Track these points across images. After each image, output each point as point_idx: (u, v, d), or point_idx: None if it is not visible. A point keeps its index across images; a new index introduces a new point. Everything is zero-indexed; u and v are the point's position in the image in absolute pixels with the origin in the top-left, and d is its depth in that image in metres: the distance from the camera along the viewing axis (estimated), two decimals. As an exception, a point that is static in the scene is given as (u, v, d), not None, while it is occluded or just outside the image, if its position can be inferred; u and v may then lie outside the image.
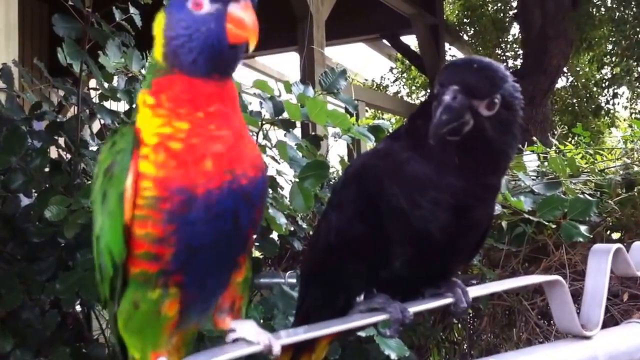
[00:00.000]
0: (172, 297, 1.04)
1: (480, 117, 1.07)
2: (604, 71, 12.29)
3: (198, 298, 1.07)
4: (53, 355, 2.11)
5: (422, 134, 1.10)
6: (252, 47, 0.99)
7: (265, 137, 2.49)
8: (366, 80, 14.86)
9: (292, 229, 2.57)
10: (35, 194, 2.25)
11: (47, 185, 2.20)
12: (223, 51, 1.01)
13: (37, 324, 2.16)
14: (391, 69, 14.58)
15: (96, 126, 2.81)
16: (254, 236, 1.17)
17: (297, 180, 2.07)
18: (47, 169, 2.24)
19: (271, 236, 2.40)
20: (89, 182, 2.39)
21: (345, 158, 3.29)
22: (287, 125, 2.29)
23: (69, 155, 2.47)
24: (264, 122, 2.31)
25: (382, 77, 14.71)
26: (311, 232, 2.77)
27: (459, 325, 3.02)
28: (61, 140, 2.52)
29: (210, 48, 1.00)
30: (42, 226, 2.15)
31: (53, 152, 2.41)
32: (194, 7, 1.01)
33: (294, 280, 2.41)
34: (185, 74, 1.02)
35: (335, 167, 3.24)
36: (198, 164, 0.99)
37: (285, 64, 10.28)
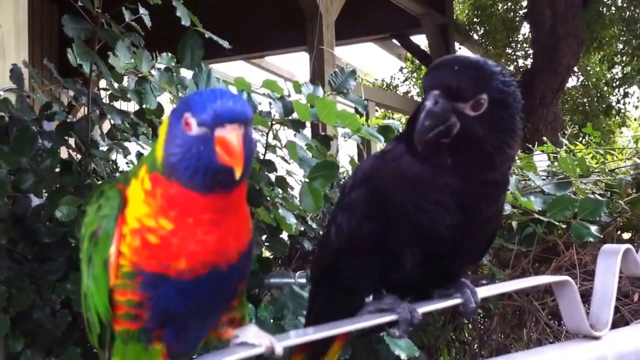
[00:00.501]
0: (156, 350, 1.08)
1: (467, 118, 1.07)
2: (614, 70, 12.18)
3: (183, 345, 1.10)
4: (64, 355, 2.12)
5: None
6: (237, 175, 0.95)
7: (275, 137, 2.49)
8: (376, 80, 14.84)
9: (302, 229, 2.58)
10: (46, 194, 2.26)
11: (58, 186, 2.22)
12: (218, 171, 0.97)
13: (48, 324, 2.17)
14: (401, 69, 14.54)
15: (106, 126, 2.83)
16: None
17: (306, 180, 2.08)
18: (57, 170, 2.26)
19: (281, 236, 2.40)
20: (100, 182, 2.40)
21: (355, 158, 3.29)
22: (297, 126, 2.29)
23: (79, 156, 2.49)
24: (273, 122, 2.31)
25: (392, 76, 14.68)
26: (321, 232, 2.77)
27: (469, 326, 3.01)
28: (71, 141, 2.53)
29: (205, 168, 0.97)
30: (53, 226, 2.17)
31: (63, 153, 2.43)
32: (185, 128, 0.98)
33: (304, 280, 2.41)
34: (182, 186, 1.00)
35: (345, 167, 3.24)
36: (172, 261, 1.00)
37: (295, 63, 10.29)
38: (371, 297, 1.21)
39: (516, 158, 1.18)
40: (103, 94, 2.64)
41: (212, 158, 0.96)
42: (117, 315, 1.06)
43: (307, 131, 2.48)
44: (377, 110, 10.14)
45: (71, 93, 2.56)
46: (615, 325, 1.22)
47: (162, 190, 1.01)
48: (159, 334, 1.07)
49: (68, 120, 2.43)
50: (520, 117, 1.12)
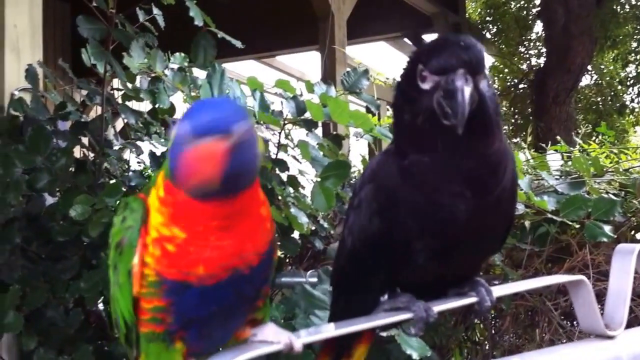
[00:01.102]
0: (177, 350, 1.09)
1: (481, 92, 1.07)
2: (628, 69, 12.06)
3: (205, 345, 1.11)
4: (76, 353, 2.13)
5: (414, 127, 1.09)
6: (214, 187, 0.94)
7: (287, 136, 2.50)
8: (387, 79, 14.81)
9: (313, 228, 2.58)
10: (60, 194, 2.28)
11: (72, 185, 2.24)
12: (207, 185, 0.95)
13: (61, 322, 2.19)
14: (412, 68, 14.49)
15: (118, 125, 2.85)
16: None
17: (318, 179, 2.08)
18: (71, 169, 2.28)
19: (293, 235, 2.41)
20: (113, 181, 2.42)
21: (367, 157, 3.28)
22: (309, 125, 2.30)
23: (92, 155, 2.51)
24: (285, 122, 2.31)
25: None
26: (332, 232, 2.77)
27: (481, 326, 2.99)
28: (85, 140, 2.56)
29: (195, 181, 0.95)
30: (67, 225, 2.18)
31: (77, 152, 2.45)
32: (179, 137, 0.97)
33: (315, 280, 2.41)
34: (185, 193, 1.00)
35: (357, 166, 3.24)
36: (191, 268, 1.01)
37: (306, 63, 10.29)
38: (386, 296, 1.21)
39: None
40: (116, 93, 2.66)
41: (195, 170, 0.95)
42: (142, 319, 1.09)
43: (319, 130, 2.48)
44: (388, 109, 10.12)
45: (84, 92, 2.58)
46: (629, 325, 1.21)
47: (172, 197, 1.02)
48: (181, 335, 1.08)
49: (82, 119, 2.45)
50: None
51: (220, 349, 1.20)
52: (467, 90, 1.03)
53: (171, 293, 1.03)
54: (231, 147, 0.94)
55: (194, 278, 1.01)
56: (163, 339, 1.08)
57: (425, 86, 1.08)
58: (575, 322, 2.58)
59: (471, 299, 1.17)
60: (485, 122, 1.08)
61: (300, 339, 1.03)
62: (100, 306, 2.37)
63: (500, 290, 1.23)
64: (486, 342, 2.95)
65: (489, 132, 1.09)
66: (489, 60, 12.40)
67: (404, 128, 1.15)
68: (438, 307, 1.14)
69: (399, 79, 1.17)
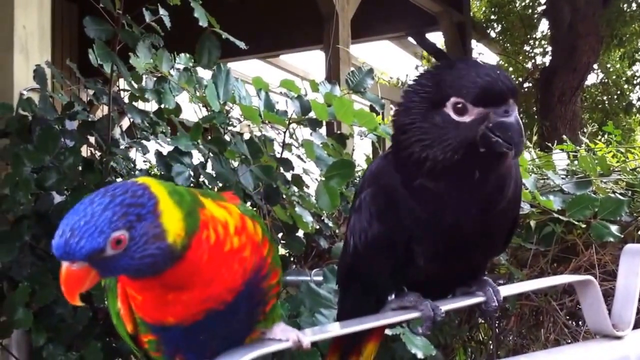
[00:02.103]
0: None
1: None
2: (635, 68, 12.02)
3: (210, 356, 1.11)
4: (85, 349, 2.15)
5: (432, 157, 1.08)
6: (75, 303, 0.93)
7: (292, 136, 2.50)
8: (391, 78, 14.79)
9: (318, 227, 2.59)
10: (68, 192, 2.30)
11: (80, 183, 2.25)
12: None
13: (70, 319, 2.20)
14: (417, 67, 14.48)
15: (124, 124, 2.87)
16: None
17: (323, 179, 2.09)
18: (79, 168, 2.29)
19: (297, 234, 2.42)
20: (120, 180, 2.44)
21: (371, 156, 3.29)
22: (314, 124, 2.31)
23: (99, 154, 2.53)
24: (290, 121, 2.32)
25: (407, 75, 14.62)
26: (337, 231, 2.78)
27: (486, 325, 2.99)
28: (92, 139, 2.57)
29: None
30: (75, 223, 2.19)
31: (84, 151, 2.46)
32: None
33: (320, 278, 2.42)
34: None
35: (362, 165, 3.24)
36: (162, 319, 1.02)
37: (310, 62, 10.30)
38: (393, 296, 1.21)
39: None
40: (123, 93, 2.68)
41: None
42: (144, 347, 1.12)
43: (323, 130, 2.49)
44: (392, 109, 10.10)
45: (91, 92, 2.60)
46: (637, 325, 1.21)
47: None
48: (180, 358, 1.11)
49: (89, 119, 2.47)
50: None
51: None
52: (520, 124, 1.06)
53: (156, 331, 1.07)
54: (89, 262, 0.89)
55: (169, 324, 1.03)
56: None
57: (466, 119, 1.06)
58: (580, 322, 2.57)
59: (478, 299, 1.18)
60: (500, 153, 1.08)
61: (308, 337, 1.04)
62: (108, 304, 2.38)
63: (507, 290, 1.23)
64: (491, 342, 2.95)
65: (502, 158, 1.09)
66: (493, 59, 12.36)
67: (416, 157, 1.09)
68: (445, 306, 1.14)
69: (405, 109, 1.15)
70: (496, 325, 2.90)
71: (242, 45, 2.35)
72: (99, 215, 0.89)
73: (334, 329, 1.12)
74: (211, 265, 0.99)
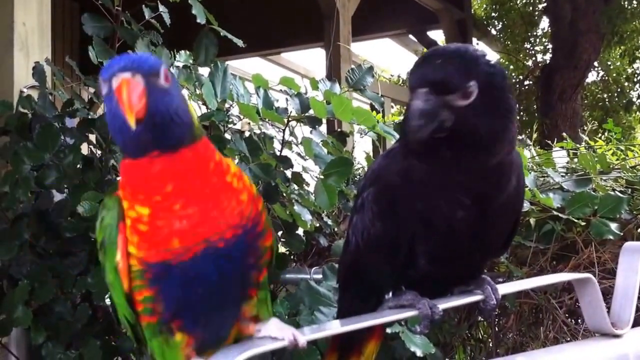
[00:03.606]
0: (177, 343, 1.10)
1: (459, 109, 1.05)
2: (635, 65, 12.00)
3: (207, 334, 1.12)
4: (84, 348, 2.15)
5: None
6: (132, 126, 0.93)
7: (292, 133, 2.50)
8: (392, 75, 14.78)
9: (317, 225, 2.59)
10: (68, 190, 2.30)
11: (80, 181, 2.25)
12: (131, 128, 0.95)
13: (69, 317, 2.21)
14: (417, 65, 14.44)
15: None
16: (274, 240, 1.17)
17: (321, 177, 2.08)
18: (79, 165, 2.29)
19: (297, 232, 2.42)
20: (119, 178, 2.44)
21: (372, 154, 3.28)
22: (313, 122, 2.30)
23: (99, 152, 2.52)
24: (290, 119, 2.32)
25: (408, 72, 14.58)
26: (336, 229, 2.78)
27: (485, 324, 2.99)
28: (92, 137, 2.57)
29: (121, 127, 0.97)
30: (75, 221, 2.20)
31: (84, 149, 2.46)
32: (104, 92, 1.00)
33: (319, 276, 2.42)
34: (128, 157, 1.02)
35: (362, 163, 3.24)
36: (166, 244, 1.02)
37: (311, 59, 10.28)
38: (391, 294, 1.21)
39: (516, 137, 1.14)
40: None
41: (120, 113, 0.95)
42: (139, 312, 1.10)
43: (323, 127, 2.49)
44: (392, 107, 10.10)
45: (92, 90, 2.59)
46: (636, 324, 1.21)
47: (126, 175, 1.04)
48: (178, 324, 1.09)
49: (89, 117, 2.47)
50: (511, 95, 1.10)
51: (225, 345, 1.21)
52: (422, 109, 1.04)
53: (155, 280, 1.04)
54: (147, 83, 0.95)
55: (170, 255, 1.02)
56: (160, 330, 1.09)
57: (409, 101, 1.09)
58: (579, 320, 2.57)
59: (477, 297, 1.18)
60: (472, 140, 1.06)
61: (304, 336, 1.04)
62: (107, 301, 2.39)
63: (506, 287, 1.23)
64: (490, 340, 2.95)
65: (480, 149, 1.07)
66: (494, 57, 12.33)
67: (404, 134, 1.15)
68: (443, 305, 1.14)
69: None
70: (495, 323, 2.90)
71: (240, 43, 2.35)
72: (141, 55, 1.01)
73: (331, 328, 1.12)
74: (214, 179, 1.03)
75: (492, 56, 1.10)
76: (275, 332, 1.07)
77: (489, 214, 1.12)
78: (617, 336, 1.18)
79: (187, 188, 1.01)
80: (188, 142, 1.02)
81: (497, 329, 2.90)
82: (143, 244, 1.03)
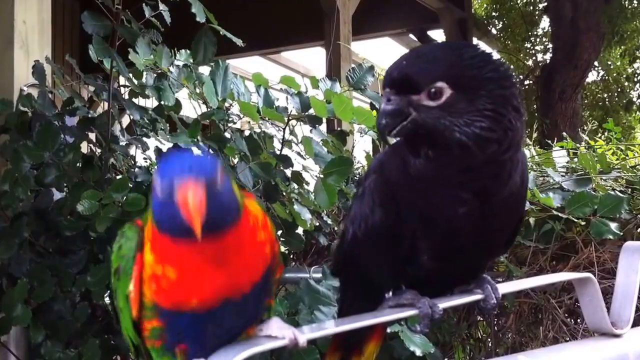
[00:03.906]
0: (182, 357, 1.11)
1: (427, 109, 1.03)
2: (635, 65, 12.00)
3: (207, 353, 1.11)
4: (83, 346, 2.15)
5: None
6: (197, 234, 0.94)
7: (292, 132, 2.50)
8: (392, 75, 14.75)
9: (317, 224, 2.58)
10: (68, 189, 2.29)
11: (79, 180, 2.25)
12: (186, 229, 0.95)
13: (68, 316, 2.21)
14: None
15: (124, 121, 2.86)
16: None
17: (321, 176, 2.08)
18: (79, 164, 2.29)
19: (297, 231, 2.42)
20: (119, 176, 2.44)
21: (372, 154, 3.28)
22: (314, 121, 2.30)
23: (99, 150, 2.52)
24: (290, 118, 2.32)
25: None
26: (336, 228, 2.77)
27: (484, 323, 2.99)
28: (92, 136, 2.57)
29: (179, 227, 0.96)
30: (74, 220, 2.20)
31: (84, 147, 2.46)
32: (156, 191, 1.00)
33: (319, 275, 2.42)
34: (170, 236, 1.02)
35: (362, 162, 3.24)
36: (184, 302, 1.03)
37: (311, 58, 10.27)
38: (391, 294, 1.21)
39: (515, 135, 1.07)
40: (123, 89, 2.67)
41: (179, 216, 0.96)
42: (145, 336, 1.12)
43: (323, 127, 2.49)
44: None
45: (91, 88, 2.59)
46: (635, 323, 1.21)
47: (158, 241, 1.04)
48: (182, 348, 1.11)
49: (89, 115, 2.47)
50: (502, 94, 1.04)
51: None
52: (384, 109, 1.04)
53: (165, 317, 1.07)
54: (207, 187, 0.95)
55: (187, 309, 1.03)
56: (164, 352, 1.11)
57: None
58: (579, 320, 2.57)
59: (477, 296, 1.17)
60: (445, 139, 1.03)
61: (304, 335, 1.04)
62: (107, 300, 2.39)
63: (506, 287, 1.23)
64: (489, 340, 2.95)
65: (456, 149, 1.03)
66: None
67: None
68: (443, 304, 1.14)
69: None
70: (495, 323, 2.90)
71: (239, 42, 2.34)
72: (195, 152, 1.02)
73: (331, 327, 1.12)
74: (248, 248, 1.05)
75: (494, 53, 1.07)
76: (276, 331, 1.07)
77: (491, 210, 1.10)
78: (617, 336, 1.17)
79: (221, 261, 1.03)
80: (233, 223, 1.03)
81: (496, 329, 2.90)
82: (159, 294, 1.05)
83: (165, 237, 1.02)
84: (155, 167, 1.03)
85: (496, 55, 1.09)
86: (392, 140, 1.17)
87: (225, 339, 1.09)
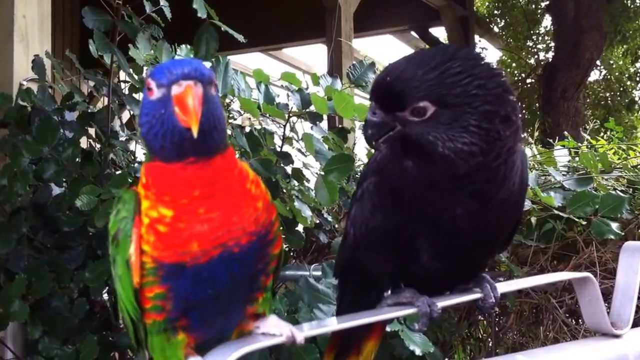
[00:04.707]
0: (179, 342, 1.10)
1: (411, 124, 1.04)
2: (638, 64, 11.97)
3: (210, 334, 1.12)
4: (81, 343, 2.14)
5: None
6: (194, 133, 0.95)
7: (292, 129, 2.49)
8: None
9: (317, 221, 2.57)
10: (66, 184, 2.29)
11: (78, 175, 2.24)
12: (183, 134, 0.98)
13: (66, 312, 2.20)
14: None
15: (125, 116, 2.85)
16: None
17: (322, 173, 2.07)
18: (78, 159, 2.28)
19: (297, 229, 2.41)
20: (119, 172, 2.43)
21: (372, 150, 3.27)
22: (314, 118, 2.29)
23: (99, 146, 2.51)
24: (291, 115, 2.31)
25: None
26: (336, 225, 2.77)
27: (485, 323, 2.99)
28: (91, 131, 2.56)
29: (170, 132, 0.99)
30: (73, 215, 2.19)
31: (83, 143, 2.45)
32: (148, 94, 1.01)
33: (319, 273, 2.41)
34: (160, 160, 1.03)
35: (363, 159, 3.23)
36: (184, 246, 1.03)
37: (312, 55, 10.26)
38: (389, 292, 1.20)
39: (503, 146, 1.07)
40: (123, 85, 2.66)
41: (173, 118, 0.98)
42: (145, 309, 1.10)
43: (324, 124, 2.47)
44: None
45: (91, 83, 2.58)
46: (635, 324, 1.20)
47: (152, 176, 1.05)
48: (183, 324, 1.09)
49: (89, 110, 2.46)
50: (485, 109, 1.03)
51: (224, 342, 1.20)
52: (369, 120, 1.08)
53: (168, 278, 1.05)
54: (208, 95, 0.98)
55: (187, 257, 1.02)
56: (165, 328, 1.09)
57: None
58: (580, 320, 2.57)
59: (475, 295, 1.17)
60: (428, 152, 1.04)
61: (302, 332, 1.03)
62: (105, 296, 2.38)
63: (506, 286, 1.22)
64: (489, 339, 2.95)
65: (438, 162, 1.04)
66: (496, 54, 12.31)
67: None
68: (442, 303, 1.14)
69: None
70: (495, 322, 2.89)
71: (241, 38, 2.33)
72: (192, 60, 1.04)
73: (329, 324, 1.11)
74: (238, 188, 1.06)
75: (495, 54, 1.07)
76: (273, 328, 1.07)
77: (490, 210, 1.10)
78: (616, 336, 1.17)
79: (213, 194, 1.03)
80: (221, 149, 1.05)
81: (497, 329, 2.89)
82: (160, 244, 1.04)
83: (157, 171, 1.02)
84: (148, 71, 1.04)
85: (486, 63, 1.06)
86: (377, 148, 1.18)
87: (224, 320, 1.10)
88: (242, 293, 1.11)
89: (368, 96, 2.51)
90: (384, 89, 1.07)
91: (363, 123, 1.12)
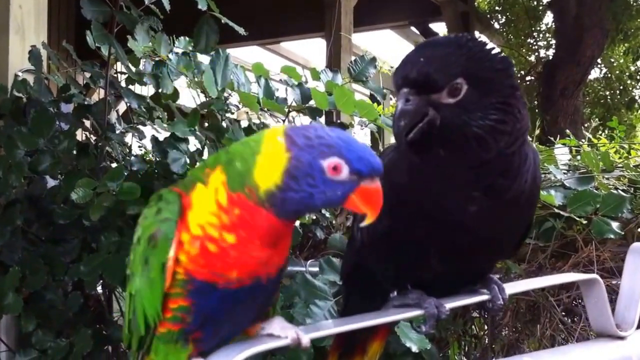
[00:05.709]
0: (184, 351, 1.09)
1: (446, 107, 1.02)
2: (639, 63, 11.96)
3: (215, 342, 1.10)
4: (74, 336, 2.13)
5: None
6: (367, 222, 1.00)
7: (291, 124, 2.47)
8: (392, 67, 14.71)
9: (314, 217, 2.56)
10: (62, 176, 2.26)
11: (74, 168, 2.22)
12: (318, 209, 1.01)
13: (60, 305, 2.19)
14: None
15: (121, 108, 2.82)
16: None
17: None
18: (74, 152, 2.26)
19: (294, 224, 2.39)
20: (115, 165, 2.40)
21: (371, 147, 3.25)
22: (314, 113, 2.27)
23: (95, 138, 2.49)
24: (290, 109, 2.28)
25: (394, 70, 14.51)
26: (333, 221, 2.75)
27: (481, 320, 2.97)
28: (87, 123, 2.53)
29: (322, 209, 1.01)
30: (68, 208, 2.17)
31: (79, 135, 2.42)
32: (330, 172, 0.97)
33: (315, 269, 2.39)
34: (273, 214, 1.00)
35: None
36: (224, 270, 1.01)
37: (311, 50, 10.22)
38: (395, 293, 1.19)
39: (522, 128, 1.09)
40: (120, 76, 2.63)
41: (338, 202, 1.00)
42: (163, 317, 1.07)
43: (322, 119, 2.45)
44: (392, 98, 10.06)
45: (88, 75, 2.55)
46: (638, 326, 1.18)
47: (244, 213, 1.00)
48: (196, 336, 1.08)
49: (85, 102, 2.43)
50: (511, 84, 1.06)
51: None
52: (404, 110, 1.03)
53: (196, 293, 1.03)
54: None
55: (222, 280, 1.01)
56: (177, 339, 1.08)
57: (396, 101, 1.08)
58: (576, 319, 2.55)
59: (483, 297, 1.15)
60: (463, 137, 1.03)
61: (307, 335, 1.01)
62: (99, 290, 2.36)
63: (513, 287, 1.21)
64: (485, 336, 2.94)
65: (473, 146, 1.03)
66: (496, 51, 12.27)
67: None
68: (450, 304, 1.12)
69: None
70: (491, 319, 2.88)
71: (241, 30, 2.30)
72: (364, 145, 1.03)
73: (334, 326, 1.10)
74: (290, 232, 1.08)
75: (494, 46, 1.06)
76: (278, 330, 1.06)
77: (502, 208, 1.09)
78: (621, 338, 1.15)
79: (278, 242, 1.04)
80: None
81: (493, 326, 2.88)
82: (201, 260, 1.01)
83: (248, 205, 0.99)
84: (327, 143, 0.99)
85: (495, 46, 1.08)
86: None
87: (232, 332, 1.11)
88: (258, 312, 1.12)
89: (367, 92, 2.47)
90: (419, 70, 1.03)
91: (393, 115, 1.07)
